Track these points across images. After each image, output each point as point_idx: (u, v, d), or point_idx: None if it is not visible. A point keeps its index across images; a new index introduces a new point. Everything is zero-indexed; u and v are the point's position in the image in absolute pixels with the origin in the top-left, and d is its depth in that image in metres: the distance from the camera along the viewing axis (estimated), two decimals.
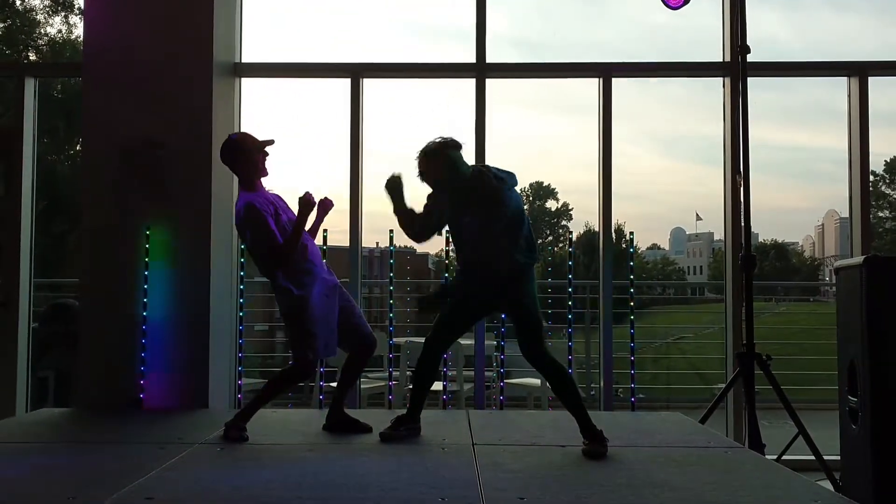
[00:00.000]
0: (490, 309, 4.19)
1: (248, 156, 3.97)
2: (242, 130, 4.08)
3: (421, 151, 3.88)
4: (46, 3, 19.09)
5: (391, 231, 5.24)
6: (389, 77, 5.95)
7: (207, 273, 5.02)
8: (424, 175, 3.90)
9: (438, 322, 3.87)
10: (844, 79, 5.57)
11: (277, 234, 3.85)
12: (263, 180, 4.03)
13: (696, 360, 13.16)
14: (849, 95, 5.54)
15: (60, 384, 5.88)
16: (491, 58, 5.49)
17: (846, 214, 5.69)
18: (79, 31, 18.49)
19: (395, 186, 3.98)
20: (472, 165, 4.01)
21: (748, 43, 4.58)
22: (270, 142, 4.02)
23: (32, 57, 18.59)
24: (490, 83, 5.49)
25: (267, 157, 4.02)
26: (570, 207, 47.10)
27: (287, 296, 3.89)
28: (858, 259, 4.05)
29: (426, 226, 4.00)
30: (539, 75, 6.01)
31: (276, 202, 4.02)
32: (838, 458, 4.30)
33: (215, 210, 5.09)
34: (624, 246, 5.54)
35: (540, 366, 3.75)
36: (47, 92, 15.75)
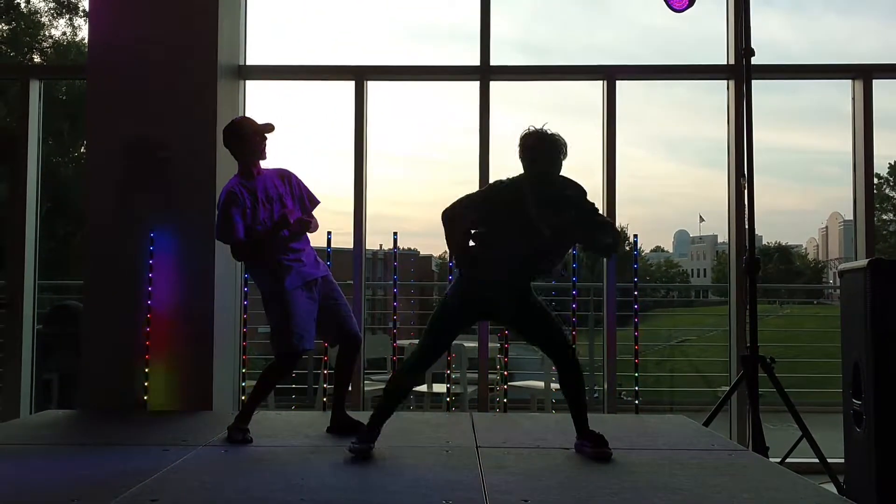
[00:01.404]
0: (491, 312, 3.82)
1: (246, 139, 4.04)
2: (245, 115, 4.12)
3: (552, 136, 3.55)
4: (51, 5, 19.15)
5: (395, 233, 5.26)
6: (393, 80, 5.96)
7: (211, 275, 5.03)
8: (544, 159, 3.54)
9: (432, 330, 3.65)
10: (849, 81, 5.57)
11: (239, 229, 3.92)
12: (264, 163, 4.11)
13: (699, 362, 13.14)
14: (853, 98, 5.53)
15: (64, 386, 5.89)
16: (495, 60, 5.50)
17: (850, 217, 5.68)
18: (83, 33, 18.55)
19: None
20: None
21: (752, 45, 4.58)
22: (270, 127, 4.07)
23: (37, 59, 18.65)
24: (494, 86, 5.50)
25: (265, 142, 4.07)
26: None
27: (264, 288, 4.02)
28: (862, 262, 4.05)
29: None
30: (543, 78, 6.02)
31: (266, 191, 4.04)
32: (842, 460, 4.30)
33: None
34: (628, 248, 5.53)
35: (570, 371, 3.63)
36: (52, 94, 15.78)
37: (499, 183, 3.66)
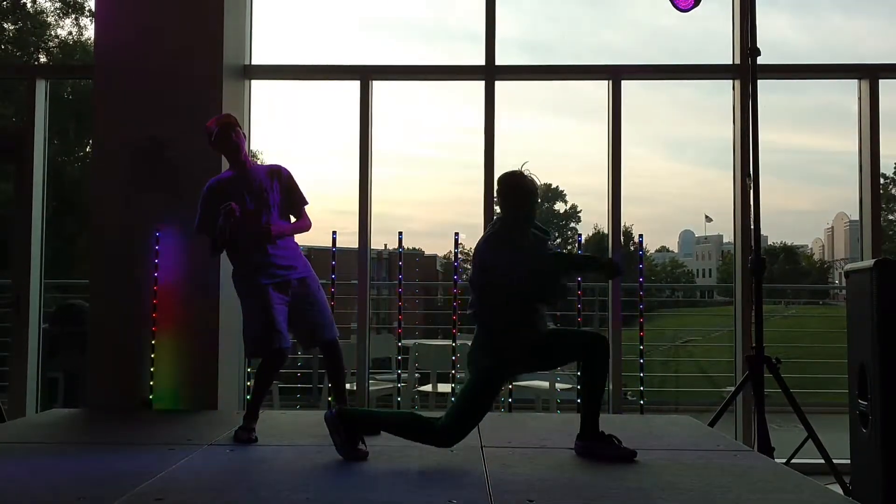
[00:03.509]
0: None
1: (213, 140, 4.16)
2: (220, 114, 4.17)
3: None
4: (57, 5, 19.19)
5: (400, 233, 5.26)
6: (398, 79, 5.95)
7: (217, 274, 5.03)
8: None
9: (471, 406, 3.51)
10: (855, 81, 5.56)
11: (201, 223, 4.11)
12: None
13: (705, 363, 13.11)
14: (859, 98, 5.52)
15: (70, 385, 5.91)
16: (500, 60, 5.50)
17: (856, 217, 5.66)
18: (89, 33, 18.59)
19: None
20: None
21: (758, 45, 4.57)
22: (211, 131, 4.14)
23: (43, 59, 18.69)
24: (499, 85, 5.50)
25: (227, 137, 4.12)
26: (578, 210, 46.95)
27: (239, 289, 4.08)
28: (869, 262, 4.03)
29: None
30: (548, 77, 6.01)
31: (250, 184, 4.09)
32: (848, 461, 4.29)
33: None
34: (633, 248, 5.52)
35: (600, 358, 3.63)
36: (58, 94, 15.82)
37: (497, 236, 3.57)
